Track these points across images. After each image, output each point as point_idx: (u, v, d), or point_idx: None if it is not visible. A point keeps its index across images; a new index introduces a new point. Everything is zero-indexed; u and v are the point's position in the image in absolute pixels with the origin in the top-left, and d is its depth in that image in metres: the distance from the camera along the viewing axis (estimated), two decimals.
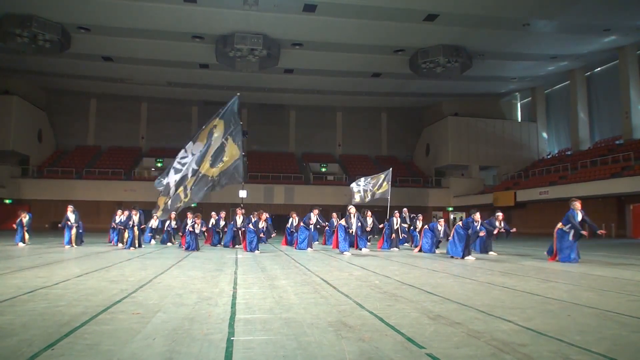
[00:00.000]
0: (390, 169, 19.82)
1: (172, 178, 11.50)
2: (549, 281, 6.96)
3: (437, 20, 25.12)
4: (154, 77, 35.04)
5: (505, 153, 39.37)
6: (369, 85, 36.66)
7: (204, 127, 11.96)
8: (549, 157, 38.41)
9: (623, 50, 29.73)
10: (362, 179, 20.42)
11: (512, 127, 40.51)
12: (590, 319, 4.25)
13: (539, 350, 3.20)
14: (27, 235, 15.43)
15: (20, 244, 14.90)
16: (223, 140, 11.78)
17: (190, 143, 11.77)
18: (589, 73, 35.02)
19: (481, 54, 29.94)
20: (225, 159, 11.78)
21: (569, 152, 35.50)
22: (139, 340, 3.37)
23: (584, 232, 10.32)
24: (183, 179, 11.49)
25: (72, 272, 7.51)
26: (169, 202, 11.56)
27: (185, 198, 11.48)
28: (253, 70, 30.17)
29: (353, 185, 20.48)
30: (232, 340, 3.43)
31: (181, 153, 11.72)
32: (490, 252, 13.00)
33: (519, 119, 43.00)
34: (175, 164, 11.61)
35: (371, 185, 19.51)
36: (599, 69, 34.50)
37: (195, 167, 11.53)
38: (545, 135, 40.30)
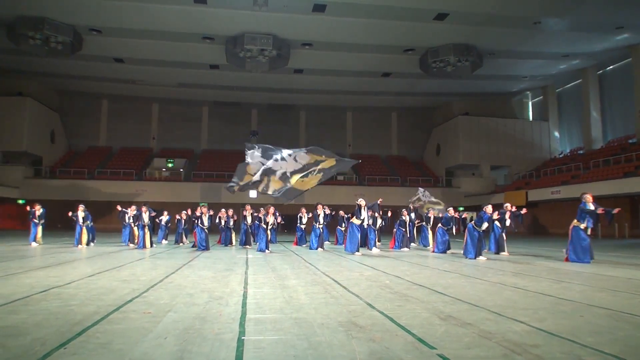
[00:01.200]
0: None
1: (265, 164, 11.62)
2: (561, 282, 6.90)
3: (447, 19, 24.99)
4: (164, 78, 35.23)
5: (516, 152, 39.04)
6: (378, 85, 36.56)
7: (322, 153, 12.17)
8: (561, 156, 38.04)
9: (636, 48, 29.34)
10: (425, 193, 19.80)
11: (524, 126, 40.16)
12: (603, 320, 4.21)
13: (551, 351, 3.18)
14: (40, 233, 15.53)
15: (33, 244, 15.05)
16: (317, 169, 11.98)
17: (305, 155, 11.99)
18: (601, 71, 34.63)
19: (492, 52, 29.74)
20: (301, 179, 11.97)
21: (581, 151, 35.12)
22: (151, 340, 3.39)
23: (600, 211, 10.15)
24: (268, 171, 11.63)
25: (84, 272, 7.58)
26: (253, 178, 11.56)
27: (261, 185, 11.59)
28: (263, 70, 30.23)
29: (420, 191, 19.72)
30: (243, 339, 3.44)
31: (281, 152, 11.87)
32: (502, 253, 12.94)
33: (531, 118, 42.62)
34: (272, 160, 11.70)
35: (429, 198, 18.99)
36: (611, 67, 34.10)
37: (289, 175, 11.74)
38: (557, 134, 39.92)
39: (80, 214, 15.25)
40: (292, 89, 37.75)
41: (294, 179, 11.78)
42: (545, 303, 5.05)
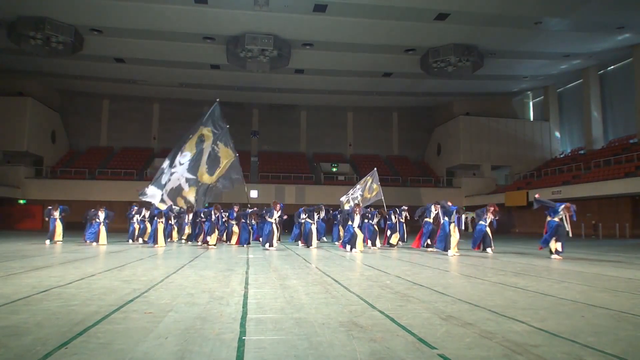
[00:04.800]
0: (375, 169, 19.53)
1: (163, 186, 11.54)
2: (562, 282, 6.90)
3: (448, 19, 24.98)
4: (165, 78, 35.26)
5: (517, 152, 39.05)
6: (379, 85, 36.56)
7: (190, 136, 11.96)
8: (561, 156, 38.03)
9: (637, 48, 29.33)
10: (351, 189, 20.30)
11: (524, 127, 40.16)
12: (604, 320, 4.21)
13: (552, 351, 3.17)
14: (59, 231, 15.81)
15: (47, 242, 15.38)
16: (214, 146, 11.79)
17: (178, 153, 11.78)
18: (602, 71, 34.63)
19: (493, 52, 29.73)
20: (221, 164, 11.79)
21: (582, 152, 35.12)
22: (151, 340, 3.39)
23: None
24: (177, 189, 11.54)
25: (86, 272, 7.58)
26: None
27: (188, 205, 11.58)
28: (264, 70, 30.25)
29: (342, 197, 20.37)
30: (244, 339, 3.44)
31: (166, 164, 11.70)
32: (488, 249, 13.18)
33: (531, 118, 42.64)
34: (166, 173, 11.61)
35: (360, 191, 19.33)
36: (612, 67, 34.09)
37: (191, 176, 11.55)
38: (557, 134, 39.90)
39: (102, 214, 15.70)
40: (293, 89, 37.76)
41: (204, 176, 11.64)
42: (546, 303, 5.05)
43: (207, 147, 11.80)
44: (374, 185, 18.57)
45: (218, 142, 11.89)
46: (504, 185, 38.70)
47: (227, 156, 11.90)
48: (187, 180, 11.52)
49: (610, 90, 34.47)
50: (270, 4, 23.61)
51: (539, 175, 34.47)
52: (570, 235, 11.77)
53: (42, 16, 24.69)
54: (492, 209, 13.41)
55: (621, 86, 33.14)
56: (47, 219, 16.32)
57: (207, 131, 11.91)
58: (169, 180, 11.64)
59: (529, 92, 42.00)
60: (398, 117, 44.67)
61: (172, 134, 41.58)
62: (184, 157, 11.64)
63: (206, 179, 11.72)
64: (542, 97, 40.89)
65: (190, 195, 11.54)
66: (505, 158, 39.12)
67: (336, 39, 27.65)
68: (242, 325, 3.90)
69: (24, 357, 2.97)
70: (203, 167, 11.65)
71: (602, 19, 24.92)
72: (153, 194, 11.96)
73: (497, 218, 13.51)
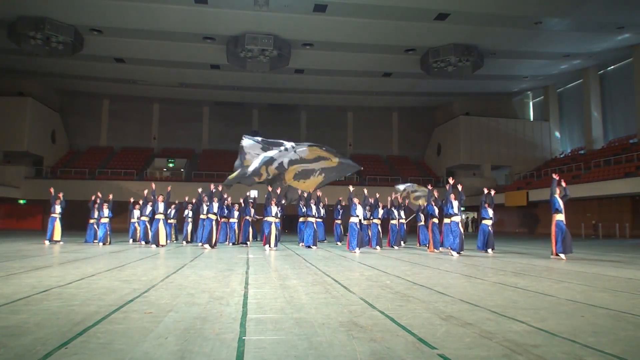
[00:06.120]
0: (434, 190, 19.05)
1: (264, 154, 11.64)
2: (562, 282, 6.90)
3: (449, 19, 24.97)
4: (165, 78, 35.24)
5: (517, 152, 39.05)
6: (379, 85, 36.55)
7: (324, 147, 12.15)
8: (561, 156, 38.02)
9: (637, 48, 29.32)
10: (410, 184, 20.28)
11: (524, 126, 40.16)
12: (604, 320, 4.21)
13: (552, 351, 3.18)
14: (59, 229, 15.69)
15: (47, 242, 15.29)
16: (320, 170, 11.95)
17: (305, 149, 11.92)
18: (602, 71, 34.63)
19: (493, 52, 29.72)
20: (302, 181, 12.00)
21: (582, 152, 35.12)
22: (151, 340, 3.39)
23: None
24: (269, 161, 11.63)
25: (85, 272, 7.58)
26: (249, 169, 11.62)
27: (262, 177, 11.64)
28: (264, 70, 30.23)
29: (400, 185, 20.39)
30: (244, 339, 3.44)
31: (284, 145, 11.83)
32: (489, 250, 13.22)
33: (531, 118, 42.62)
34: (275, 150, 11.71)
35: (412, 189, 19.34)
36: (612, 67, 34.09)
37: (285, 166, 11.75)
38: (557, 134, 39.90)
39: (106, 211, 15.70)
40: (293, 89, 37.75)
41: (290, 174, 11.80)
42: (546, 303, 5.05)
43: (317, 165, 12.08)
44: (422, 198, 18.26)
45: (325, 174, 12.19)
46: (504, 185, 38.70)
47: (311, 185, 12.25)
48: (281, 165, 11.78)
49: (610, 90, 34.47)
50: (270, 4, 23.60)
51: (539, 175, 34.44)
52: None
53: (42, 16, 24.67)
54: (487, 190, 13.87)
55: (621, 86, 33.14)
56: (51, 203, 16.28)
57: (333, 161, 12.19)
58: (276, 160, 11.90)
59: (529, 92, 42.01)
60: (398, 117, 44.67)
61: (172, 134, 41.77)
62: (302, 154, 11.86)
63: (289, 177, 11.98)
64: (542, 97, 40.88)
65: (270, 171, 11.82)
66: (505, 158, 39.11)
67: (336, 39, 27.63)
68: (242, 325, 3.90)
69: (24, 357, 2.97)
70: (298, 168, 11.90)
71: (602, 19, 24.91)
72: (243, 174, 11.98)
73: (493, 194, 13.99)
